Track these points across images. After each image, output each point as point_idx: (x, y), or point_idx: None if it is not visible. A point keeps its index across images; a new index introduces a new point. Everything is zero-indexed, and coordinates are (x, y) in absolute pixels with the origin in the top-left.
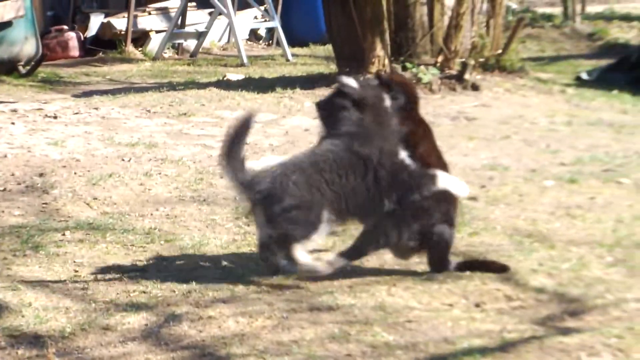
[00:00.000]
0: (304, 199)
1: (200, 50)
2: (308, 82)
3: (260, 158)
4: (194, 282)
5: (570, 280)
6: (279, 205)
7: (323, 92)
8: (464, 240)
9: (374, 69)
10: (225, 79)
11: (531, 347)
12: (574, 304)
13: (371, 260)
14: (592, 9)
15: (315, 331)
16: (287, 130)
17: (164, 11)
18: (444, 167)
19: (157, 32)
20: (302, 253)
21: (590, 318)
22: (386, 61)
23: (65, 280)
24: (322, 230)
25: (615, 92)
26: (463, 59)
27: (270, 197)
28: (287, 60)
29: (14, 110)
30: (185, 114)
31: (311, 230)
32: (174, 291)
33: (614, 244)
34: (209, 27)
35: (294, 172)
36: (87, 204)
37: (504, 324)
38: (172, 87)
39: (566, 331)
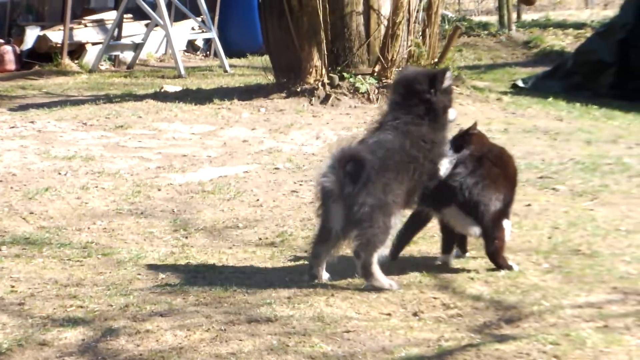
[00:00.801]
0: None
1: (137, 62)
2: (246, 93)
3: (198, 170)
4: (131, 296)
5: (506, 287)
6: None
7: (261, 103)
8: (404, 249)
9: (311, 79)
10: (162, 90)
11: (468, 354)
12: (511, 311)
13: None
14: (527, 16)
15: (253, 343)
16: (225, 141)
17: (100, 23)
18: None
19: (94, 44)
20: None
21: (526, 325)
22: (323, 71)
23: (1, 296)
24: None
25: (550, 99)
26: (400, 68)
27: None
28: (225, 71)
29: None
30: (122, 126)
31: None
32: (111, 305)
33: (550, 250)
34: (145, 38)
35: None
36: (24, 219)
37: (442, 332)
38: (108, 99)
39: (503, 338)
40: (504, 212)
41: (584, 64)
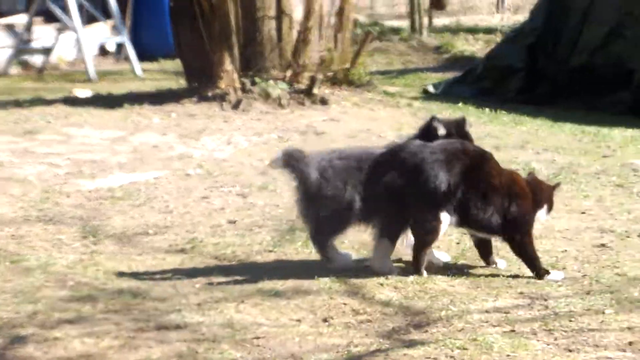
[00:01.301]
0: None
1: (48, 66)
2: (157, 97)
3: (107, 176)
4: (39, 303)
5: (415, 293)
6: None
7: (172, 108)
8: (312, 255)
9: (222, 84)
10: (72, 95)
11: None
12: (419, 317)
13: (220, 277)
14: (439, 21)
15: (162, 350)
16: (136, 147)
17: (10, 27)
18: None
19: (3, 47)
20: None
21: (434, 330)
22: (235, 76)
23: None
24: None
25: (460, 104)
26: (312, 73)
27: None
28: (136, 75)
29: None
30: (30, 131)
31: None
32: (19, 312)
33: (458, 256)
34: (55, 42)
35: None
36: None
37: (351, 337)
38: (17, 104)
39: (411, 343)
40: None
41: (493, 69)
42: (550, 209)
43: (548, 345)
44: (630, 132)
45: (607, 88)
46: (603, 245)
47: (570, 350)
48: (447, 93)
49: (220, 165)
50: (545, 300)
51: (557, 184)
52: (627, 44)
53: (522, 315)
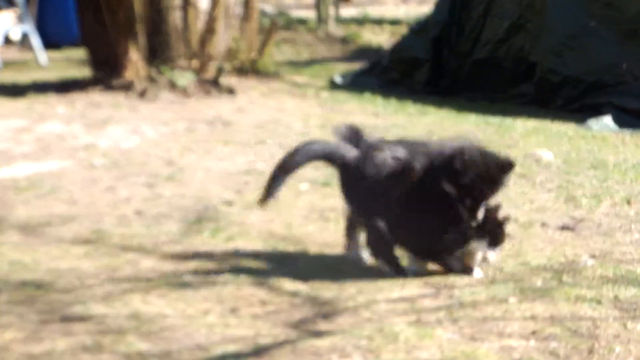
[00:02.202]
0: None
1: None
2: (62, 87)
3: (11, 166)
4: None
5: (323, 283)
6: None
7: (77, 97)
8: (219, 246)
9: (128, 73)
10: None
11: (284, 351)
12: (327, 307)
13: (125, 268)
14: (346, 12)
15: (67, 342)
16: (40, 136)
17: None
18: None
19: None
20: None
21: (342, 320)
22: (141, 65)
23: None
24: None
25: (367, 95)
26: (218, 63)
27: None
28: (41, 64)
29: None
30: None
31: None
32: None
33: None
34: None
35: None
36: None
37: (258, 328)
38: None
39: (318, 334)
40: None
41: (399, 60)
42: None
43: (453, 334)
44: (532, 123)
45: (511, 81)
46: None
47: (474, 339)
48: (354, 84)
49: (126, 156)
50: (451, 289)
51: None
52: (529, 36)
53: (428, 304)
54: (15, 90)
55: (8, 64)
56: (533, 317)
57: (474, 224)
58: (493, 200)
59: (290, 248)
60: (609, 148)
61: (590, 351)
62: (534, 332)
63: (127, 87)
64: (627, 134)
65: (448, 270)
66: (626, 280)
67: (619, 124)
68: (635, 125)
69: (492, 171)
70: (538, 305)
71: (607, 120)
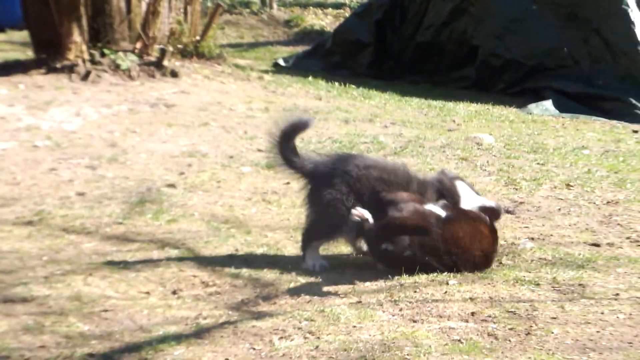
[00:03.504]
0: None
1: None
2: (3, 69)
3: None
4: None
5: (265, 265)
6: None
7: (20, 79)
8: (162, 227)
9: (71, 55)
10: None
11: (225, 332)
12: (268, 288)
13: (67, 250)
14: None
15: (8, 323)
16: None
17: None
18: None
19: None
20: None
21: (283, 302)
22: (84, 47)
23: None
24: None
25: (310, 78)
26: (162, 46)
27: None
28: None
29: None
30: None
31: None
32: None
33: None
34: None
35: None
36: None
37: (200, 310)
38: None
39: (260, 315)
40: None
41: (342, 43)
42: None
43: (393, 315)
44: (474, 107)
45: (453, 64)
46: None
47: (414, 321)
48: (297, 67)
49: (69, 137)
50: (392, 271)
51: None
52: (471, 20)
53: (369, 286)
54: None
55: None
56: (472, 299)
57: None
58: None
59: (232, 230)
60: (549, 132)
61: (528, 333)
62: (473, 314)
63: (70, 69)
64: (567, 118)
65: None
66: (564, 263)
67: (559, 109)
68: (575, 110)
69: None
70: (477, 287)
71: (548, 104)
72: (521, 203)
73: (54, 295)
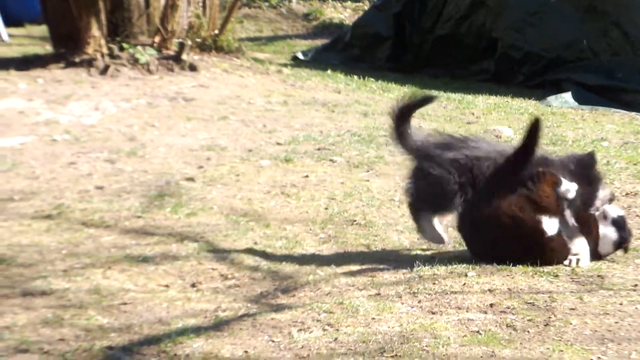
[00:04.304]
0: None
1: None
2: (23, 63)
3: None
4: None
5: (284, 257)
6: None
7: (39, 74)
8: (181, 221)
9: (90, 49)
10: None
11: (244, 324)
12: (287, 281)
13: (86, 243)
14: None
15: (28, 317)
16: (1, 112)
17: None
18: None
19: None
20: None
21: (302, 294)
22: (102, 41)
23: None
24: None
25: (329, 71)
26: (180, 40)
27: None
28: (3, 41)
29: None
30: None
31: None
32: None
33: (326, 220)
34: None
35: None
36: None
37: (219, 302)
38: None
39: (278, 308)
40: None
41: (361, 37)
42: None
43: (412, 307)
44: (493, 100)
45: (472, 57)
46: None
47: (433, 313)
48: (316, 60)
49: (87, 131)
50: (411, 263)
51: None
52: (490, 13)
53: (388, 278)
54: None
55: None
56: (491, 291)
57: None
58: None
59: (251, 223)
60: (568, 124)
61: (547, 324)
62: (491, 305)
63: (89, 64)
64: (586, 110)
65: None
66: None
67: (578, 101)
68: (594, 102)
69: None
70: (496, 279)
71: (567, 96)
72: None
73: (73, 288)
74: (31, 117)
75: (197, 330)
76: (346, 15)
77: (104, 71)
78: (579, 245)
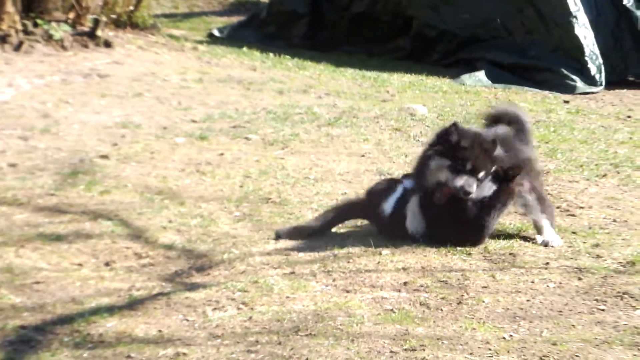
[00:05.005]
0: None
1: None
2: None
3: None
4: None
5: (198, 236)
6: None
7: None
8: (95, 199)
9: (4, 25)
10: None
11: (159, 303)
12: (202, 260)
13: None
14: None
15: None
16: None
17: None
18: None
19: None
20: None
21: (217, 273)
22: (16, 17)
23: None
24: None
25: (245, 49)
26: (95, 16)
27: None
28: None
29: None
30: None
31: None
32: None
33: (241, 199)
34: None
35: None
36: None
37: (133, 281)
38: None
39: (193, 286)
40: None
41: (278, 14)
42: None
43: (327, 286)
44: (408, 78)
45: (388, 35)
46: None
47: (347, 291)
48: (232, 37)
49: (0, 108)
50: (325, 242)
51: None
52: None
53: (302, 257)
54: None
55: None
56: (405, 269)
57: None
58: None
59: (166, 201)
60: (481, 102)
61: (460, 302)
62: (405, 284)
63: (3, 40)
64: (500, 89)
65: None
66: (496, 232)
67: (492, 79)
68: (508, 80)
69: None
70: (410, 257)
71: (480, 75)
72: None
73: None
74: None
75: (111, 310)
76: None
77: (17, 47)
78: None
